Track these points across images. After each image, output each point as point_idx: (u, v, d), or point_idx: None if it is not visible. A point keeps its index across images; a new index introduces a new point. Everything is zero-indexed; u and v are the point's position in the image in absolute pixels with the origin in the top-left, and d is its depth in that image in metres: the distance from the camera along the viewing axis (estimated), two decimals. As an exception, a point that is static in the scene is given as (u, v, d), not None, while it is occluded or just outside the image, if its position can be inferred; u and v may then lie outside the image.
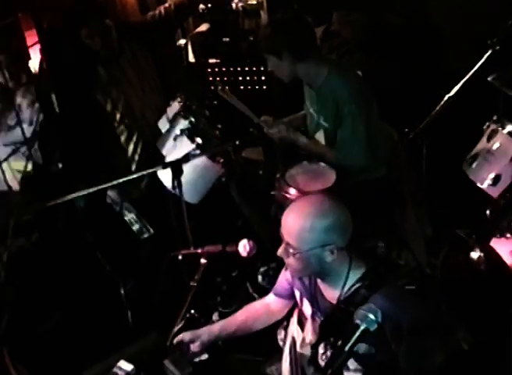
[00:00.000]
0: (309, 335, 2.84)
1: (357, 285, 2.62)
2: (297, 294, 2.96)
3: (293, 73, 3.73)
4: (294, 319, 3.01)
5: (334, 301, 2.67)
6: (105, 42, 4.04)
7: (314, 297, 2.81)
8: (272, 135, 3.92)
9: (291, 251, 2.62)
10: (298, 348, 2.90)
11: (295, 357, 2.92)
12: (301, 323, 2.93)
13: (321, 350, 2.74)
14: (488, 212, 3.34)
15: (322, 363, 2.75)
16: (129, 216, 4.26)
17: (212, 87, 4.86)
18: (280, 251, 2.68)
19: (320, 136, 3.87)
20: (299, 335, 2.93)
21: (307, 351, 2.82)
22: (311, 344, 2.79)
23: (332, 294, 2.70)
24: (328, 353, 2.70)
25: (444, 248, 3.73)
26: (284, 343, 3.06)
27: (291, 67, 3.69)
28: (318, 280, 2.77)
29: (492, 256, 3.35)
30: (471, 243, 3.20)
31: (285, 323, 3.15)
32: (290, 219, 2.63)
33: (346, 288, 2.63)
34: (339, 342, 2.51)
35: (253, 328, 3.16)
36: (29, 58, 4.37)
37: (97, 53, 4.07)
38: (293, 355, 2.94)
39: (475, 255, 3.19)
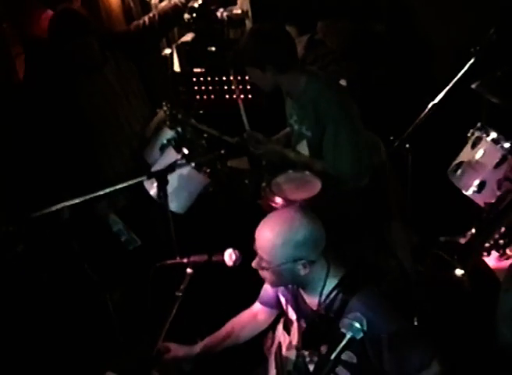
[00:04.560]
0: (295, 338, 2.86)
1: (335, 291, 2.67)
2: (283, 299, 3.00)
3: (275, 84, 3.76)
4: (280, 326, 3.03)
5: (314, 307, 2.72)
6: (86, 57, 4.05)
7: (297, 303, 2.85)
8: (259, 155, 3.96)
9: (264, 264, 2.68)
10: (284, 352, 2.93)
11: (281, 361, 2.94)
12: (287, 328, 2.96)
13: (306, 353, 2.76)
14: (473, 230, 3.35)
15: (310, 368, 2.77)
16: (117, 227, 4.24)
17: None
18: (254, 264, 2.74)
19: (303, 146, 3.88)
20: (285, 339, 2.96)
21: (293, 355, 2.85)
22: (297, 347, 2.81)
23: (312, 300, 2.75)
24: (314, 359, 2.72)
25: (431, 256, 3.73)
26: (270, 351, 3.07)
27: (274, 78, 3.71)
28: (300, 288, 2.81)
29: (480, 267, 3.35)
30: (454, 263, 3.20)
31: (271, 332, 3.16)
32: (262, 233, 2.68)
33: (324, 295, 2.68)
34: (324, 347, 2.55)
35: (240, 338, 3.18)
36: (14, 68, 4.36)
37: (81, 64, 4.08)
38: (278, 360, 2.95)
39: (459, 272, 3.20)
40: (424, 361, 2.62)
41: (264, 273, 2.74)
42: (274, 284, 2.86)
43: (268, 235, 2.65)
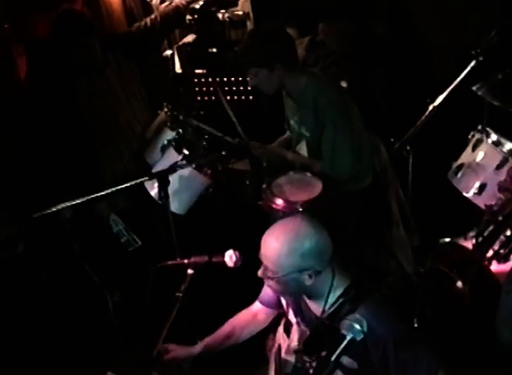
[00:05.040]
0: (295, 341, 2.85)
1: (341, 300, 2.64)
2: (284, 302, 2.99)
3: (280, 84, 3.75)
4: (280, 328, 3.03)
5: (318, 313, 2.70)
6: (88, 58, 4.05)
7: (299, 307, 2.83)
8: (258, 155, 3.97)
9: (269, 274, 2.66)
10: (283, 355, 2.91)
11: (279, 364, 2.92)
12: (287, 330, 2.95)
13: (306, 358, 2.75)
14: (473, 240, 3.35)
15: (310, 371, 2.76)
16: (117, 228, 4.25)
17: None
18: (260, 273, 2.72)
19: (303, 146, 3.88)
20: (285, 342, 2.95)
21: (292, 357, 2.83)
22: (296, 350, 2.80)
23: (316, 306, 2.73)
24: (314, 363, 2.72)
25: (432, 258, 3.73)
26: (271, 353, 3.07)
27: (281, 78, 3.70)
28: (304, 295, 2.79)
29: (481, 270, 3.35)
30: (454, 276, 3.20)
31: (272, 333, 3.17)
32: (268, 243, 2.65)
33: (329, 303, 2.65)
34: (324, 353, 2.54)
35: (240, 337, 3.18)
36: (15, 68, 4.36)
37: (82, 65, 4.08)
38: (277, 363, 2.94)
39: (460, 284, 3.19)
40: (430, 372, 2.58)
41: (269, 283, 2.72)
42: (279, 294, 2.86)
43: (274, 245, 2.62)
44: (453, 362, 2.87)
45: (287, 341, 2.91)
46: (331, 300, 2.65)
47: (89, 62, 4.10)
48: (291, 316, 2.90)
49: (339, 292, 2.66)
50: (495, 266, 3.33)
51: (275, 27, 3.80)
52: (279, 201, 3.62)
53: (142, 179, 3.49)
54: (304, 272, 2.59)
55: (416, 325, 3.77)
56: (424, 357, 2.60)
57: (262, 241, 2.68)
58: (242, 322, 3.20)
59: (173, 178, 3.54)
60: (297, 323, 2.85)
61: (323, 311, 2.66)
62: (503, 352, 3.05)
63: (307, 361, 2.75)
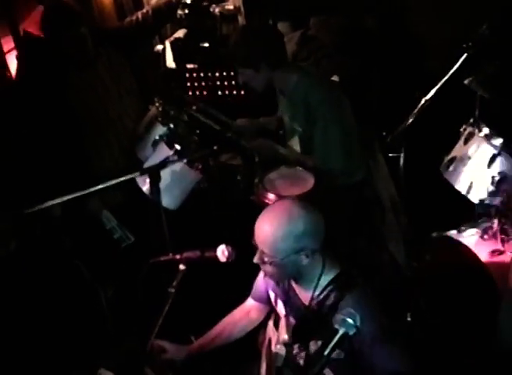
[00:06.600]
0: (283, 333, 2.86)
1: (329, 288, 2.66)
2: (272, 294, 3.00)
3: (267, 83, 3.76)
4: (270, 322, 3.06)
5: (306, 302, 2.72)
6: (80, 50, 4.03)
7: (288, 296, 2.84)
8: (251, 148, 3.96)
9: (266, 259, 2.66)
10: (273, 348, 2.92)
11: (270, 358, 2.94)
12: (277, 324, 2.96)
13: (295, 349, 2.76)
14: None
15: (300, 362, 2.76)
16: (110, 225, 4.23)
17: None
18: (256, 259, 2.72)
19: (295, 141, 3.88)
20: (274, 335, 2.96)
21: (283, 351, 2.83)
22: (285, 342, 2.81)
23: (304, 294, 2.75)
24: (303, 354, 2.72)
25: (425, 251, 3.74)
26: (262, 347, 3.08)
27: (267, 77, 3.72)
28: (292, 282, 2.80)
29: (469, 256, 3.37)
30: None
31: (263, 328, 3.17)
32: (262, 228, 2.66)
33: (318, 290, 2.67)
34: (314, 342, 2.54)
35: (232, 336, 3.20)
36: (5, 64, 4.35)
37: (73, 59, 4.06)
38: (268, 356, 2.97)
39: None
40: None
41: (266, 268, 2.72)
42: (276, 278, 2.84)
43: (268, 230, 2.62)
44: (448, 357, 2.88)
45: (277, 334, 2.92)
46: (321, 286, 2.67)
47: (81, 53, 4.07)
48: (279, 309, 2.91)
49: (328, 279, 2.68)
50: (485, 257, 3.34)
51: (262, 26, 3.80)
52: (272, 196, 3.62)
53: (133, 174, 3.47)
54: (300, 252, 2.61)
55: (409, 319, 3.78)
56: (397, 358, 2.60)
57: (256, 227, 2.68)
58: (235, 320, 3.22)
59: (165, 173, 3.52)
60: (286, 315, 2.86)
61: (312, 297, 2.68)
62: (498, 348, 3.05)
63: (296, 352, 2.76)
